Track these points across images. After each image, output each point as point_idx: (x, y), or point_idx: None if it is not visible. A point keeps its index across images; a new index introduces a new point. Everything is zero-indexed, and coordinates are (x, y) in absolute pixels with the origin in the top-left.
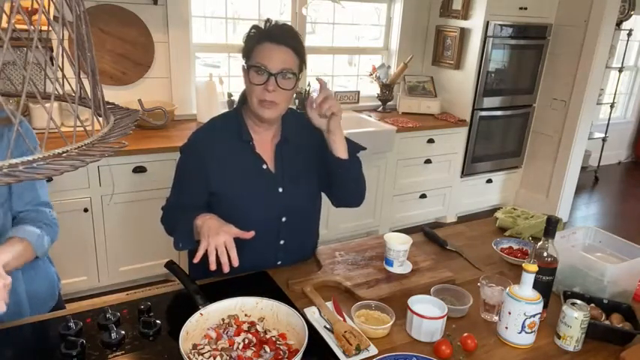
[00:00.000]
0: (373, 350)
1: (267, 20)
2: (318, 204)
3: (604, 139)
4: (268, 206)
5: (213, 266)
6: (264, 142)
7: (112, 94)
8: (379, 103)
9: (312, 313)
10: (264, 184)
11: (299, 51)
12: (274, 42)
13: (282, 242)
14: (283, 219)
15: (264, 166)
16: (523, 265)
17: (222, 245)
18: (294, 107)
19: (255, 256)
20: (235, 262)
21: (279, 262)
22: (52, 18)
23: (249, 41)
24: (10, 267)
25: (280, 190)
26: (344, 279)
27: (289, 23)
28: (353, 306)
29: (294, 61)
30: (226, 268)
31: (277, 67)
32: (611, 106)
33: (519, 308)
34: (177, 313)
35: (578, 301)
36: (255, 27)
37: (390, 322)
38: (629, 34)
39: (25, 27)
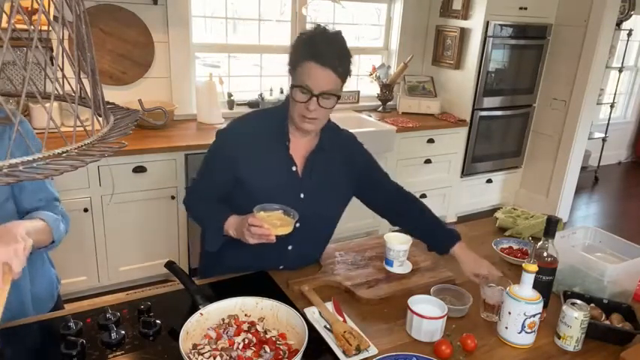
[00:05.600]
0: (373, 350)
1: (317, 27)
2: (336, 217)
3: (604, 139)
4: None
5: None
6: (299, 147)
7: (112, 94)
8: (379, 103)
9: (312, 313)
10: (289, 186)
11: (342, 72)
12: (319, 63)
13: (290, 248)
14: (297, 224)
15: (294, 168)
16: (523, 265)
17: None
18: None
19: (260, 258)
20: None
21: (281, 267)
22: (52, 18)
23: (295, 52)
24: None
25: (302, 195)
26: (344, 279)
27: (289, 23)
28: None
29: (335, 83)
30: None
31: (319, 89)
32: (611, 106)
33: (519, 308)
34: (177, 313)
35: (578, 301)
36: (304, 35)
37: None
38: (629, 34)
39: (25, 27)
